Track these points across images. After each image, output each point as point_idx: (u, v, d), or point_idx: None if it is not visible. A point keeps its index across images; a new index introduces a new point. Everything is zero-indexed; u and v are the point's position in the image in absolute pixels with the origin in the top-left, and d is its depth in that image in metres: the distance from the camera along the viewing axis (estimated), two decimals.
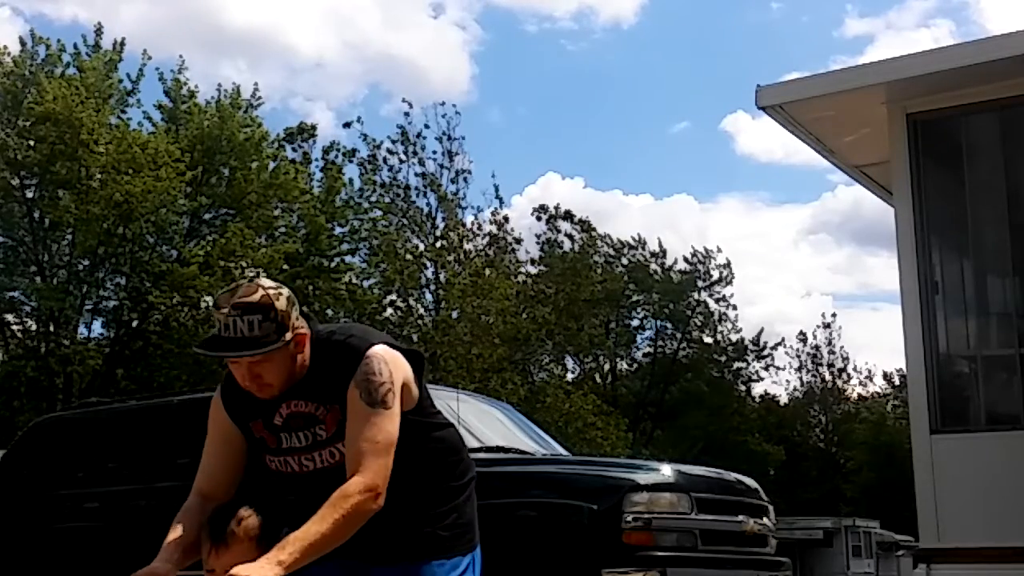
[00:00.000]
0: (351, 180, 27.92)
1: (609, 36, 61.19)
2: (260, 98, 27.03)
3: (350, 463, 2.79)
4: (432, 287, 27.69)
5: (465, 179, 28.69)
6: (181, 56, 27.62)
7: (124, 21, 51.68)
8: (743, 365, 39.41)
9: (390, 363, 2.89)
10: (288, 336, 2.83)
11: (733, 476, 7.42)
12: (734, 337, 38.88)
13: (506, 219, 28.69)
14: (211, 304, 3.12)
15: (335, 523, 2.68)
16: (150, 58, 26.21)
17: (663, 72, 64.38)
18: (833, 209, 66.41)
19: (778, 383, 59.59)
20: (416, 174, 28.82)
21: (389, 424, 2.82)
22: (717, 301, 38.81)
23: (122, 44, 25.64)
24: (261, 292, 2.81)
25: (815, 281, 70.08)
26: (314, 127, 28.72)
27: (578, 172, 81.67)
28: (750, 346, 39.17)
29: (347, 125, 40.24)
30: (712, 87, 64.45)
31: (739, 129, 66.14)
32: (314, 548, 2.66)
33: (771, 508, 7.18)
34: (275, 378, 2.86)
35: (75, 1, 50.06)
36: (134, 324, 25.90)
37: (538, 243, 32.14)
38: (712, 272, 38.49)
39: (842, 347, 48.13)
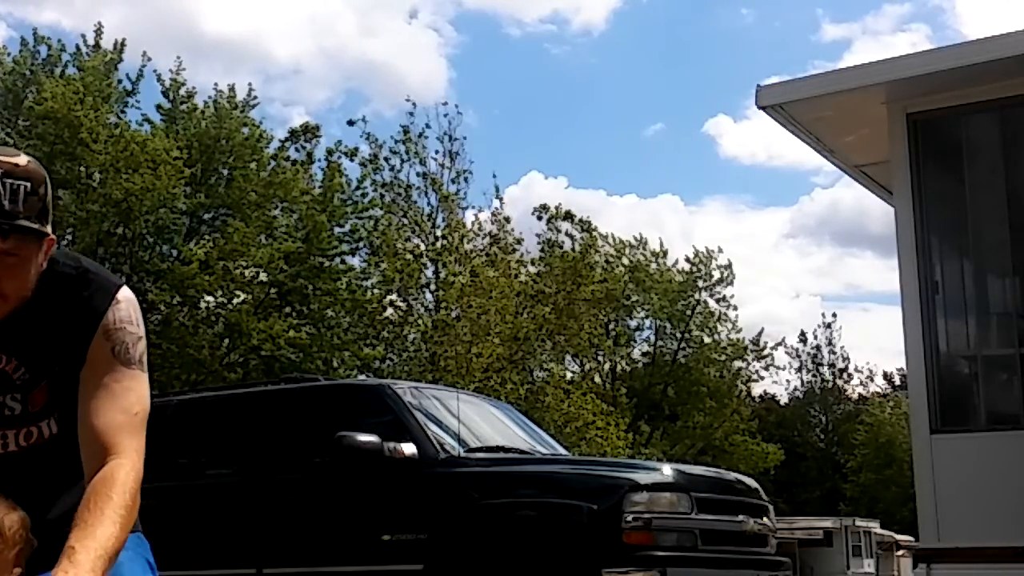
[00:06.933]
0: (349, 182, 27.91)
1: (581, 41, 62.06)
2: (256, 98, 27.06)
3: (100, 438, 2.01)
4: (432, 287, 27.68)
5: (466, 179, 28.75)
6: (179, 57, 27.76)
7: (103, 25, 51.87)
8: (743, 365, 39.40)
9: (140, 312, 2.19)
10: (48, 229, 2.02)
11: (733, 476, 7.43)
12: (734, 337, 38.89)
13: (507, 219, 28.71)
14: None
15: (124, 523, 1.91)
16: (150, 59, 26.22)
17: (635, 76, 65.30)
18: (809, 212, 67.09)
19: (778, 383, 59.69)
20: (417, 174, 28.86)
21: (146, 391, 2.12)
22: (718, 301, 38.85)
23: (122, 44, 25.64)
24: (28, 158, 2.01)
25: (802, 283, 70.52)
26: (318, 127, 28.72)
27: (560, 172, 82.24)
28: (750, 346, 39.17)
29: (351, 123, 40.29)
30: (686, 91, 65.48)
31: (721, 132, 66.67)
32: (111, 558, 1.87)
33: (771, 508, 7.19)
34: (14, 288, 2.00)
35: (55, 5, 50.30)
36: None
37: (538, 243, 32.10)
38: (713, 272, 38.54)
39: (842, 347, 48.26)
